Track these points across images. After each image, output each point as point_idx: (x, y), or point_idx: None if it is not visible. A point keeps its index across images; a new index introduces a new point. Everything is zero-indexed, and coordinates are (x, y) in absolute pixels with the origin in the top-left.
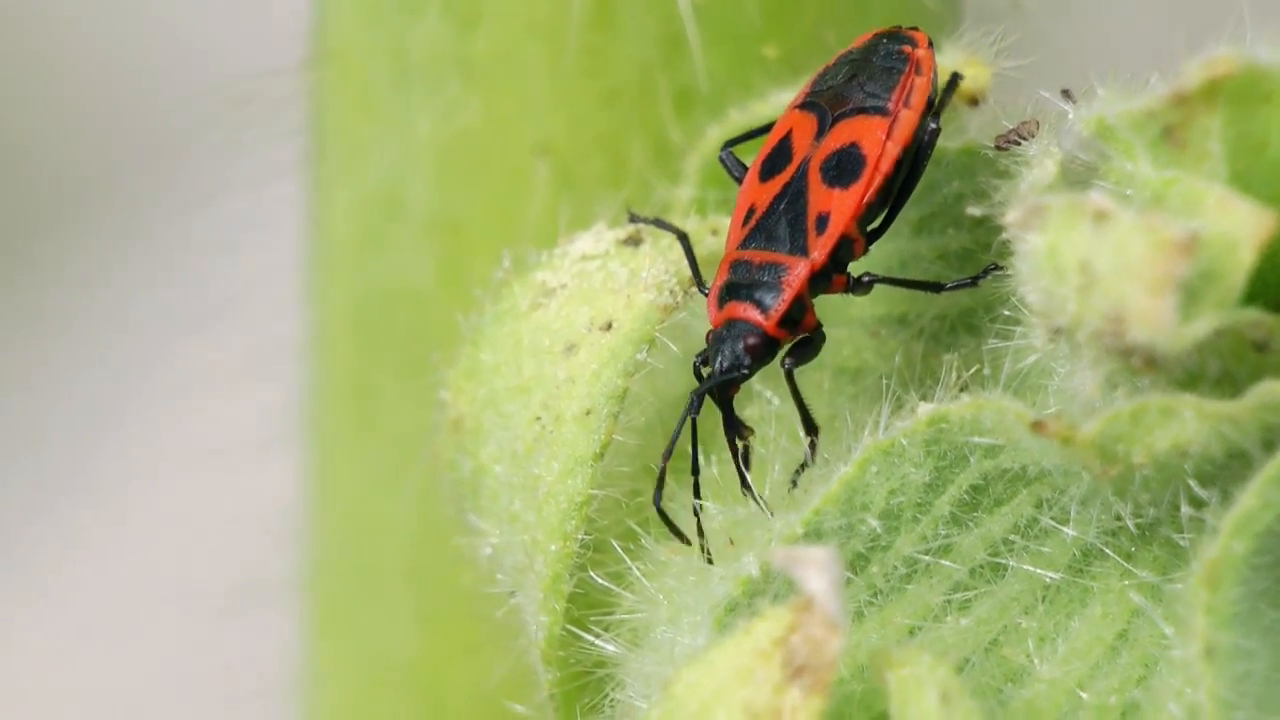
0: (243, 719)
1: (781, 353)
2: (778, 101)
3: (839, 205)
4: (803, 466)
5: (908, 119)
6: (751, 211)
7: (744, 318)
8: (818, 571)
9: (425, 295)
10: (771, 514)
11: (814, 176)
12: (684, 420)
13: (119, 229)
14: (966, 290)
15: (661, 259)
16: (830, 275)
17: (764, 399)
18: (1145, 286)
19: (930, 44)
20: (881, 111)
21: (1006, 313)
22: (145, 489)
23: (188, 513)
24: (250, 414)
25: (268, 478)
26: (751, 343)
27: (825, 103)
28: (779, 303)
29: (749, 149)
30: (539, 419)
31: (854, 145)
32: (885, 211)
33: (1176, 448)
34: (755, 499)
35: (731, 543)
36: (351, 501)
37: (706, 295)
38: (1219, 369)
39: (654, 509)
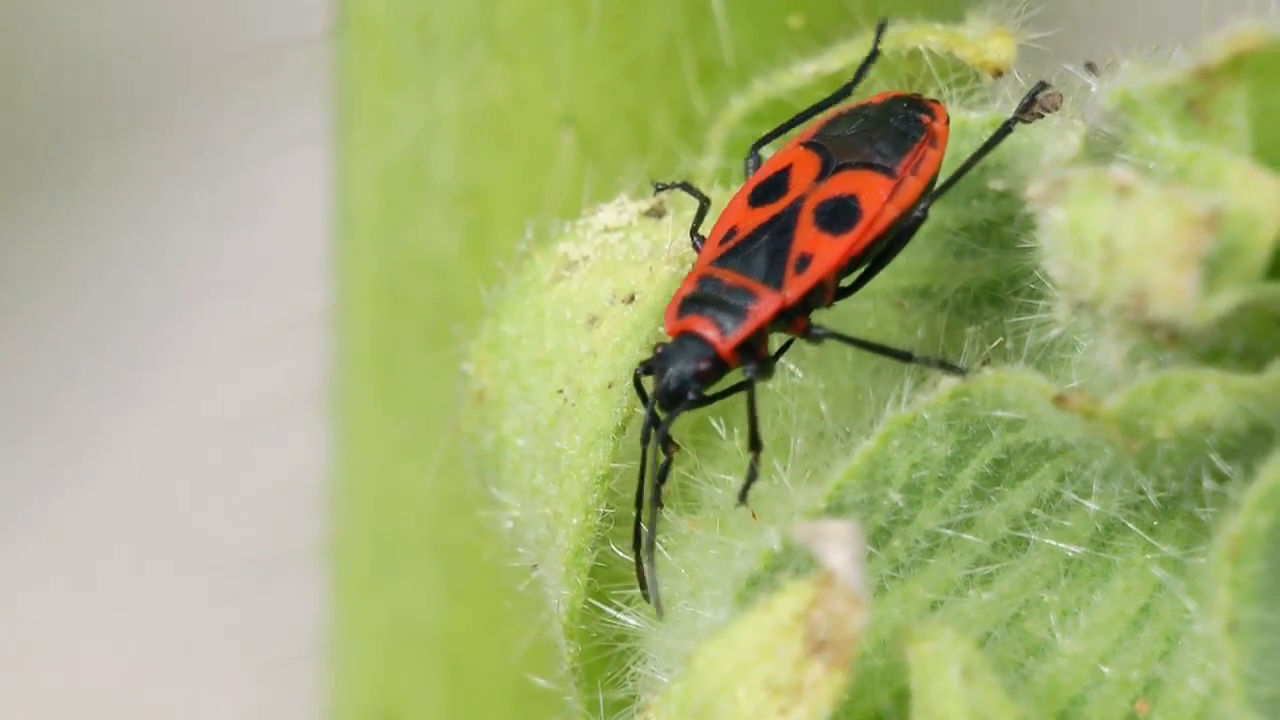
0: (268, 689)
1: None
2: (802, 72)
3: (825, 250)
4: (749, 482)
5: (912, 186)
6: (732, 233)
7: (701, 334)
8: (839, 546)
9: (449, 266)
10: (792, 488)
11: (806, 216)
12: (650, 456)
13: (145, 198)
14: (989, 265)
15: (685, 231)
16: (793, 317)
17: (786, 371)
18: (1168, 261)
19: (949, 120)
20: (889, 173)
21: (1030, 286)
22: (170, 459)
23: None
24: (274, 384)
25: (292, 448)
26: (703, 368)
27: (832, 148)
28: (740, 329)
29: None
30: (561, 392)
31: (853, 197)
32: (859, 273)
33: (1199, 422)
34: (646, 531)
35: (753, 516)
36: (375, 473)
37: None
38: (1242, 344)
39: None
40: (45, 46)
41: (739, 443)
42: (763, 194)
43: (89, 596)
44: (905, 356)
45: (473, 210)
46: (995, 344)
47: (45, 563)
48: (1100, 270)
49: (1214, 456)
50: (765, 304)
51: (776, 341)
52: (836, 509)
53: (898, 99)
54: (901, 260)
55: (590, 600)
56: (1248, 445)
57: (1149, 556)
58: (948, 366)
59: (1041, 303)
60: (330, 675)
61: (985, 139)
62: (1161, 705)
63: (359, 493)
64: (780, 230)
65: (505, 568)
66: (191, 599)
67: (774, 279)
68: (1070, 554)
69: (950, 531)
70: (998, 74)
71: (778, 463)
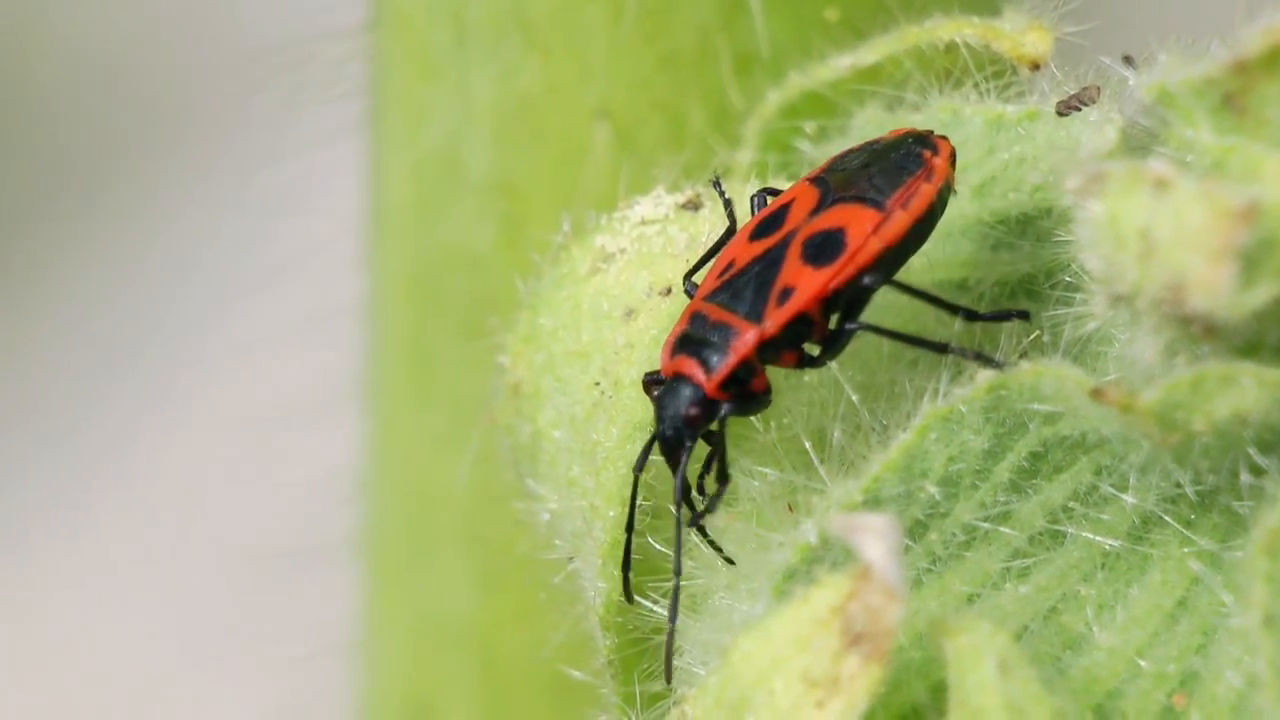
0: (301, 681)
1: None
2: (838, 65)
3: (805, 283)
4: (705, 512)
5: (900, 220)
6: (730, 266)
7: (689, 375)
8: (876, 539)
9: (484, 259)
10: (829, 481)
11: (794, 250)
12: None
13: (179, 192)
14: (1026, 258)
15: (721, 223)
16: (781, 348)
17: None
18: (1205, 255)
19: (953, 157)
20: (878, 206)
21: (1067, 279)
22: (206, 453)
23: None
24: (309, 378)
25: (327, 442)
26: (693, 413)
27: (833, 182)
28: (722, 366)
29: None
30: (598, 384)
31: (839, 230)
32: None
33: (1236, 415)
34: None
35: (790, 509)
36: (410, 465)
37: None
38: (1279, 337)
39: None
40: (83, 46)
41: (775, 435)
42: (763, 228)
43: (125, 589)
44: (941, 348)
45: (507, 203)
46: (1032, 337)
47: (84, 556)
48: (1137, 263)
49: (1251, 450)
50: (745, 338)
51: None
52: (873, 502)
53: (906, 134)
54: (938, 253)
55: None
56: None
57: (1186, 550)
58: (984, 359)
59: (1078, 296)
60: (364, 667)
61: (1022, 133)
62: (1198, 699)
63: (393, 485)
64: (770, 264)
65: (540, 560)
66: (227, 591)
67: (756, 312)
68: (1107, 547)
69: (987, 525)
70: (1035, 67)
71: (815, 456)
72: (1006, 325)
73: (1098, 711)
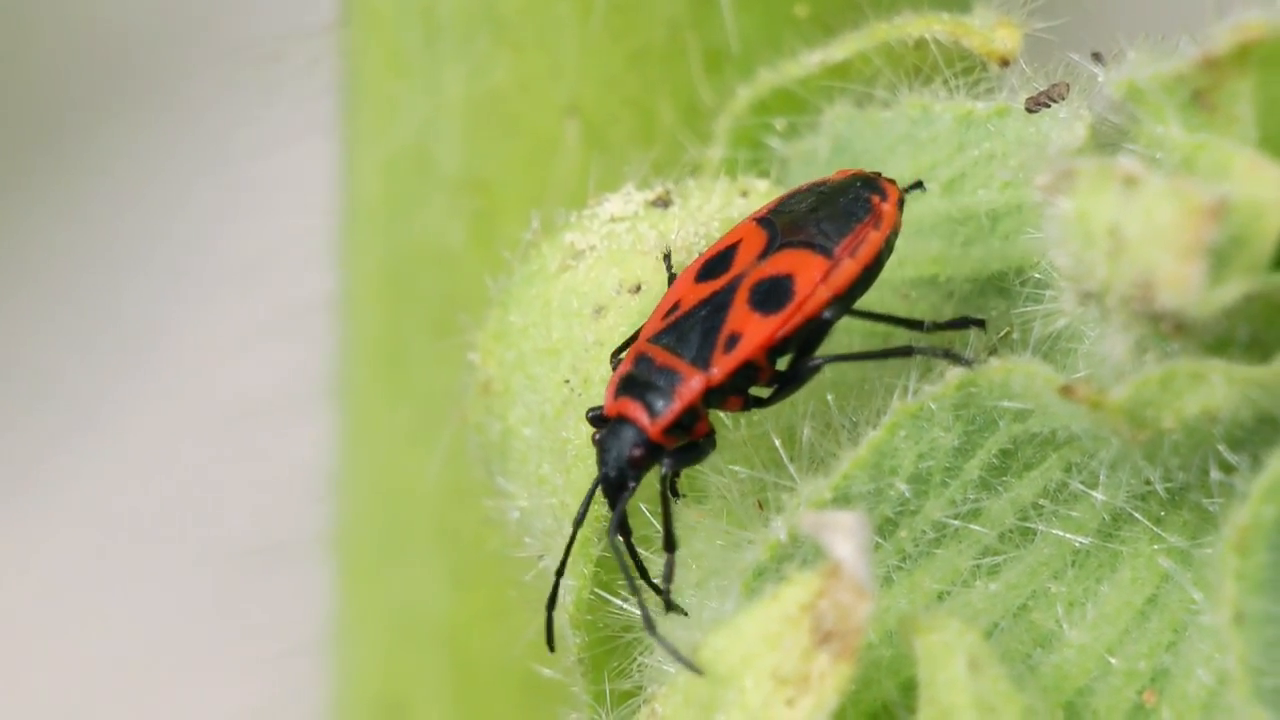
0: (273, 677)
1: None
2: (808, 61)
3: (753, 330)
4: (665, 586)
5: (848, 269)
6: (676, 307)
7: (633, 418)
8: (846, 536)
9: (455, 255)
10: (799, 479)
11: (742, 295)
12: (613, 538)
13: (150, 185)
14: (995, 255)
15: (691, 221)
16: (727, 394)
17: None
18: (1174, 252)
19: (901, 201)
20: (826, 253)
21: (1037, 276)
22: (174, 447)
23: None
24: (279, 374)
25: (297, 438)
26: (636, 456)
27: (780, 224)
28: (667, 411)
29: None
30: (568, 381)
31: (789, 277)
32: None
33: (1206, 413)
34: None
35: (760, 507)
36: (380, 462)
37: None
38: (1248, 334)
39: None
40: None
41: (745, 432)
42: (709, 270)
43: (88, 587)
44: (906, 352)
45: (478, 199)
46: (1002, 334)
47: (52, 552)
48: (1107, 260)
49: (1221, 447)
50: (691, 384)
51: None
52: (843, 499)
53: (854, 177)
54: (908, 249)
55: (596, 590)
56: (1254, 436)
57: (1156, 547)
58: (952, 356)
59: (1048, 293)
60: (336, 664)
61: (991, 130)
62: (1168, 696)
63: (364, 482)
64: (717, 308)
65: (511, 558)
66: (196, 588)
67: (702, 358)
68: (1077, 544)
69: (957, 522)
70: (1004, 63)
71: (785, 453)
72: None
73: (1068, 709)
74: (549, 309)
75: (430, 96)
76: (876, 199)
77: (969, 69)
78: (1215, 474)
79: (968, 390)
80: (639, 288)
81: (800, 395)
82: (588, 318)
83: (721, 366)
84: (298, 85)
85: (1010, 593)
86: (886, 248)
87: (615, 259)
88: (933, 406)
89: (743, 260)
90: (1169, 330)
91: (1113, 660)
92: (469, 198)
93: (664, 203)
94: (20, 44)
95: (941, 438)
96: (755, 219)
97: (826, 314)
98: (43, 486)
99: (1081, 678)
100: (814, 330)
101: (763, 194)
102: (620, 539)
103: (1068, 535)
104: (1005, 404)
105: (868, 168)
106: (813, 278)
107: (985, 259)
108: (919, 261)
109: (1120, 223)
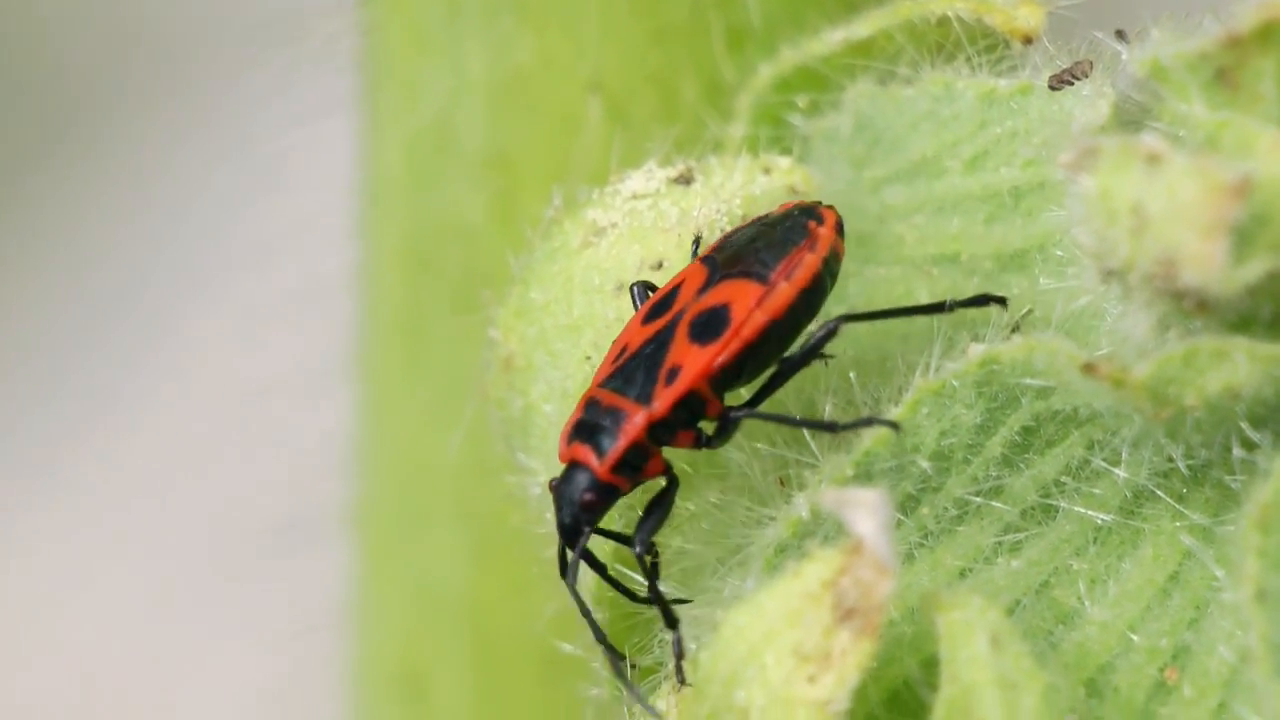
0: (294, 653)
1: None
2: (831, 39)
3: (691, 361)
4: (678, 661)
5: (784, 292)
6: (623, 351)
7: (583, 461)
8: (867, 513)
9: (476, 232)
10: (821, 455)
11: (682, 329)
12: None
13: (172, 163)
14: (1017, 233)
15: (713, 198)
16: (675, 429)
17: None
18: (1197, 230)
19: (839, 225)
20: (762, 279)
21: (1059, 254)
22: (196, 425)
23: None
24: (300, 351)
25: (318, 414)
26: (588, 499)
27: (721, 260)
28: (613, 450)
29: None
30: (589, 358)
31: (725, 306)
32: (756, 378)
33: (1228, 390)
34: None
35: (781, 483)
36: (401, 439)
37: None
38: (1271, 312)
39: None
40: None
41: (767, 409)
42: (654, 311)
43: (112, 565)
44: (831, 427)
45: (500, 176)
46: (1024, 312)
47: (69, 527)
48: (1129, 238)
49: (1243, 424)
50: (634, 421)
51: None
52: (865, 476)
53: (794, 208)
54: (931, 228)
55: (618, 566)
56: (1277, 413)
57: (1178, 524)
58: (875, 421)
59: (1071, 270)
60: (356, 639)
61: (1014, 107)
62: (1190, 673)
63: (385, 458)
64: (659, 345)
65: (532, 533)
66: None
67: (645, 394)
68: (1099, 521)
69: (979, 499)
70: (1027, 41)
71: (806, 430)
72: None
73: (1090, 686)
74: (571, 285)
75: (452, 73)
76: (813, 224)
77: (992, 46)
78: (1238, 451)
79: (990, 368)
80: (660, 264)
81: (822, 372)
82: (609, 294)
83: (663, 400)
84: (319, 63)
85: (1032, 570)
86: (826, 271)
87: (637, 236)
88: (955, 384)
89: (684, 297)
90: (1192, 308)
91: (1134, 637)
92: (491, 174)
93: (686, 180)
94: (37, 26)
95: (964, 415)
96: (700, 259)
97: (769, 341)
98: (65, 467)
99: (1103, 655)
100: (759, 358)
101: (784, 171)
102: (577, 586)
103: (1090, 512)
104: (1027, 381)
105: (890, 145)
106: (748, 304)
107: (1007, 236)
108: (940, 239)
109: (1143, 201)
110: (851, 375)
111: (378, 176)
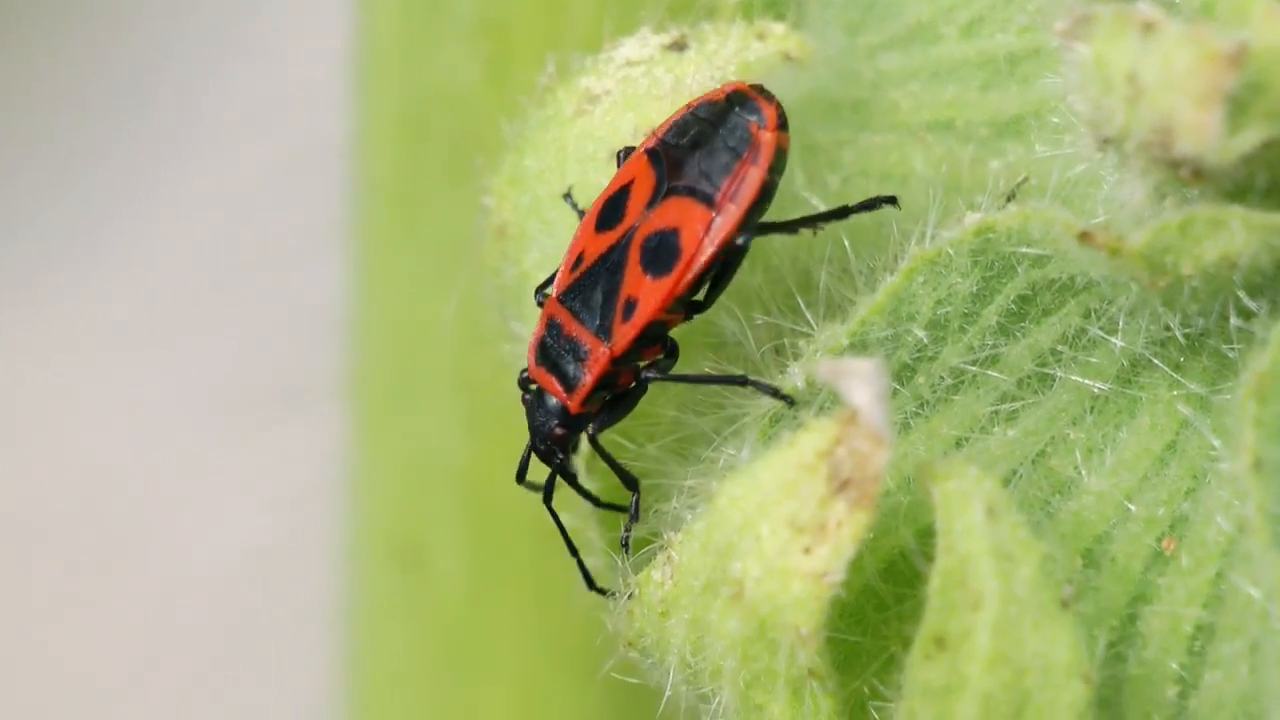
0: (290, 521)
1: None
2: None
3: (647, 295)
4: (629, 527)
5: (731, 215)
6: (580, 259)
7: (552, 391)
8: (863, 383)
9: (471, 98)
10: (816, 325)
11: (634, 253)
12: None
13: (165, 31)
14: (1013, 100)
15: (707, 64)
16: (639, 351)
17: (809, 207)
18: (1192, 98)
19: (782, 123)
20: (708, 201)
21: (1055, 120)
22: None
23: (232, 315)
24: (294, 217)
25: (312, 279)
26: (559, 433)
27: (668, 162)
28: (580, 387)
29: None
30: None
31: (674, 232)
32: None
33: (1224, 259)
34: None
35: (776, 353)
36: (396, 307)
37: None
38: (1267, 180)
39: None
40: None
41: (761, 278)
42: (606, 217)
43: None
44: (742, 381)
45: (494, 43)
46: (1020, 180)
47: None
48: (1125, 107)
49: (1240, 293)
50: (596, 359)
51: None
52: (860, 346)
53: (734, 101)
54: (926, 94)
55: (613, 435)
56: (1273, 282)
57: (1175, 393)
58: (778, 394)
59: (1067, 138)
60: (351, 506)
61: None
62: (1187, 543)
63: (379, 326)
64: (614, 267)
65: None
66: (212, 430)
67: (604, 329)
68: (1096, 390)
69: (975, 368)
70: None
71: (801, 299)
72: (993, 167)
73: (1086, 556)
74: (564, 153)
75: None
76: (754, 126)
77: None
78: (1234, 320)
79: (986, 236)
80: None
81: (815, 241)
82: (603, 162)
83: (622, 337)
84: None
85: (1028, 439)
86: (771, 181)
87: (631, 103)
88: (950, 252)
89: (634, 207)
90: (1188, 176)
91: (1131, 507)
92: (484, 41)
93: (680, 47)
94: None
95: (959, 284)
96: (645, 149)
97: (719, 262)
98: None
99: (1100, 525)
100: (712, 279)
101: (779, 37)
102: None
103: (1086, 381)
104: (1023, 250)
105: (885, 10)
106: (697, 233)
107: (1003, 103)
108: (936, 105)
109: (1138, 69)
110: (846, 243)
111: (371, 41)
